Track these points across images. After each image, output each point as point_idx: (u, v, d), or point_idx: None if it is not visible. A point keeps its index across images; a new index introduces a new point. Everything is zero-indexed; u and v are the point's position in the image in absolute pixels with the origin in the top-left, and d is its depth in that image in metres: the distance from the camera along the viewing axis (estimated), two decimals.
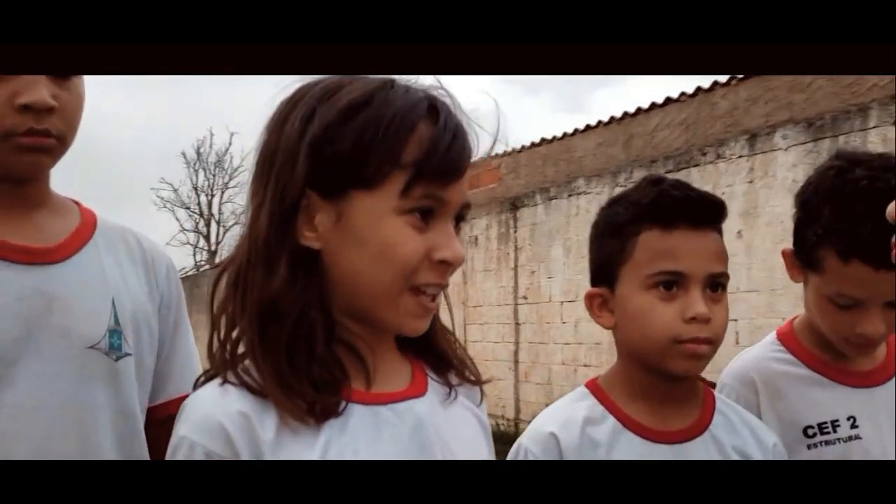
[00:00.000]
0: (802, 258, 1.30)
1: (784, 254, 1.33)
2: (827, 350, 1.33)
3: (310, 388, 0.79)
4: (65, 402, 1.09)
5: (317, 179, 0.81)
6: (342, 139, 0.81)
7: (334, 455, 0.80)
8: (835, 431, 1.31)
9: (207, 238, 33.28)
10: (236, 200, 36.40)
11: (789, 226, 1.36)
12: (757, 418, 1.27)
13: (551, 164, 9.37)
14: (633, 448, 1.17)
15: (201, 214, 33.41)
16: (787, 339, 1.39)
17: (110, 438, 1.13)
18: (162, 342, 1.25)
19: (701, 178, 6.68)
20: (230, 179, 33.82)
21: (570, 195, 8.58)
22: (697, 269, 1.13)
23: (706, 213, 1.16)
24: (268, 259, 0.81)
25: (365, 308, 0.84)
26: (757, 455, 1.19)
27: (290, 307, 0.81)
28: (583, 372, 7.92)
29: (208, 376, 0.85)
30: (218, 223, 33.45)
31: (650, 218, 1.15)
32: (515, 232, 9.46)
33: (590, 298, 1.23)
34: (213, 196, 33.48)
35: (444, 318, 0.97)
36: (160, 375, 1.24)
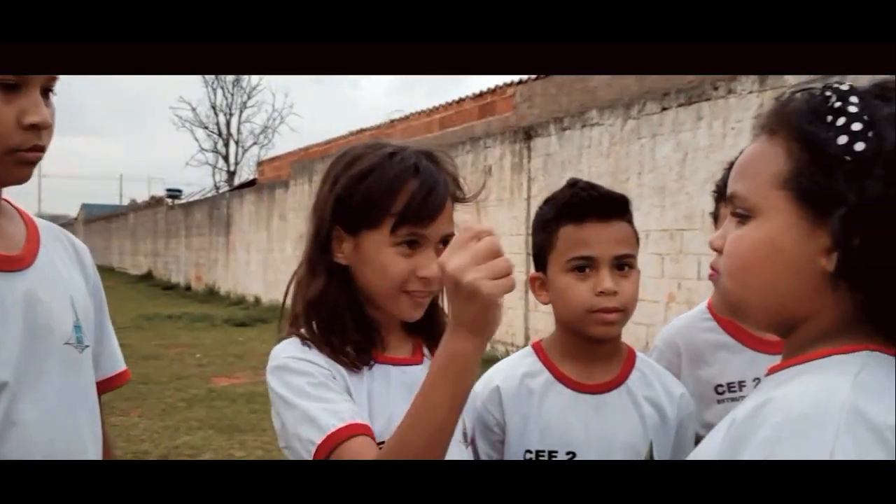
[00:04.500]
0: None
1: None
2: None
3: (346, 350, 1.19)
4: (59, 397, 1.23)
5: (341, 221, 1.22)
6: (355, 196, 1.20)
7: (373, 392, 1.19)
8: (740, 390, 1.58)
9: (226, 158, 33.42)
10: (255, 120, 36.25)
11: None
12: (668, 373, 1.53)
13: (565, 93, 9.32)
14: (561, 397, 1.45)
15: (220, 134, 33.47)
16: (714, 309, 1.68)
17: (88, 425, 1.30)
18: (95, 327, 1.39)
19: (711, 113, 6.67)
20: (248, 98, 33.77)
21: (583, 126, 8.56)
22: (604, 253, 1.39)
23: (610, 207, 1.41)
24: (313, 270, 1.24)
25: (377, 304, 1.23)
26: (664, 401, 1.45)
27: (330, 300, 1.22)
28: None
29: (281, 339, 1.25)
30: (237, 143, 33.54)
31: (566, 215, 1.41)
32: (529, 162, 9.49)
33: (532, 281, 1.50)
34: (231, 115, 33.49)
35: None
36: (94, 357, 1.37)
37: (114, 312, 1.52)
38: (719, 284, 0.92)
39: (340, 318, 1.21)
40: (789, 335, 0.88)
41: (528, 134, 9.55)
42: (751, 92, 6.29)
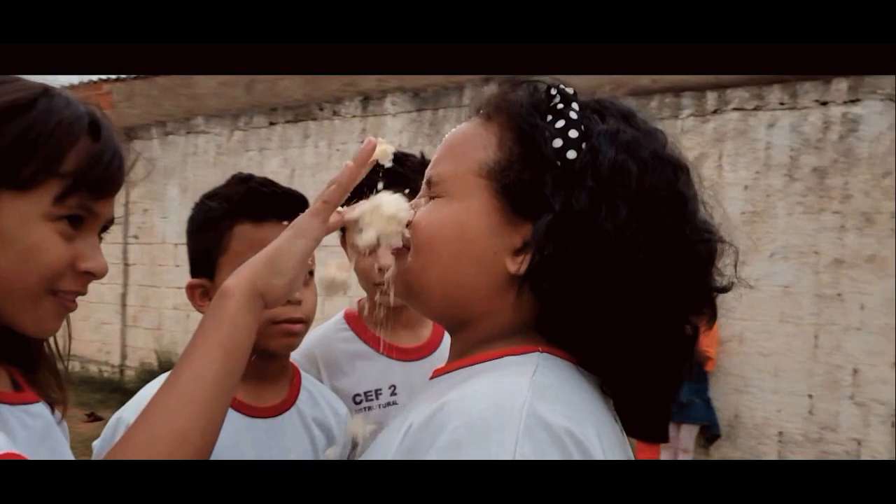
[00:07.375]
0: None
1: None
2: (382, 327, 1.57)
3: None
4: None
5: None
6: (3, 136, 0.78)
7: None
8: (377, 398, 1.54)
9: None
10: None
11: None
12: (332, 392, 1.47)
13: (170, 97, 8.93)
14: (233, 423, 1.26)
15: None
16: (351, 318, 1.62)
17: None
18: None
19: (318, 133, 6.89)
20: None
21: (188, 132, 8.28)
22: None
23: (292, 207, 1.27)
24: None
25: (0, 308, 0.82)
26: (332, 422, 1.39)
27: None
28: (196, 317, 7.77)
29: None
30: None
31: (243, 213, 1.26)
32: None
33: (191, 289, 1.30)
34: None
35: None
36: None
37: None
38: (403, 260, 0.86)
39: None
40: (459, 331, 0.84)
41: (127, 135, 8.96)
42: (354, 116, 6.63)
